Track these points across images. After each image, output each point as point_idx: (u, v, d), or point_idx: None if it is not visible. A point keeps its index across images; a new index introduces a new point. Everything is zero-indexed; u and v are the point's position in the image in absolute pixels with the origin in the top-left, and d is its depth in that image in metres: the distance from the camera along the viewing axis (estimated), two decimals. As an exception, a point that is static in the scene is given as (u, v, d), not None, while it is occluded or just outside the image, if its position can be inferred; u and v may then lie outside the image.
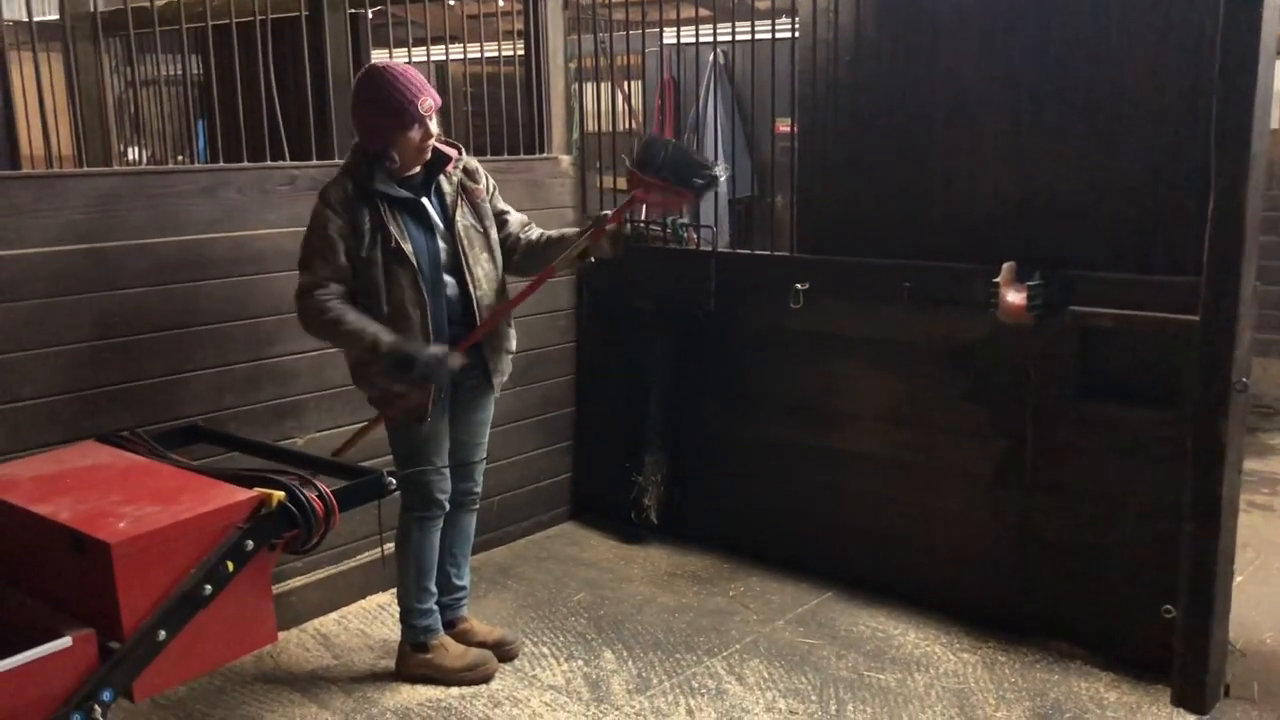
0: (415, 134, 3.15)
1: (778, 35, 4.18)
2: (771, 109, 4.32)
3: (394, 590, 3.67)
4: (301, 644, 3.79)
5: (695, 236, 4.63)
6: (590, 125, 5.15)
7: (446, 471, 3.43)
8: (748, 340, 4.29)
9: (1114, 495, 3.47)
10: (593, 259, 3.43)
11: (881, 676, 3.53)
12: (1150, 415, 3.36)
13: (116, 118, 6.21)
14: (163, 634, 2.37)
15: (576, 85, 4.87)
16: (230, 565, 2.45)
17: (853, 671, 3.56)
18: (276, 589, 3.55)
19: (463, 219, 3.33)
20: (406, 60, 4.24)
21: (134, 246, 3.37)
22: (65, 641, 2.27)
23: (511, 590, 4.21)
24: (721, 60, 6.50)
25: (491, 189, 3.47)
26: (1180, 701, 3.30)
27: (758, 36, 4.73)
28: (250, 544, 2.48)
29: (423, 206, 3.27)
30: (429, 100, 3.14)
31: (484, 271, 3.35)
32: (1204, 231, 3.09)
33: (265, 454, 3.15)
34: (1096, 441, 3.48)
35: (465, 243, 3.31)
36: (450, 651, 3.52)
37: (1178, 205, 3.29)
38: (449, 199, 3.32)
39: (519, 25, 4.81)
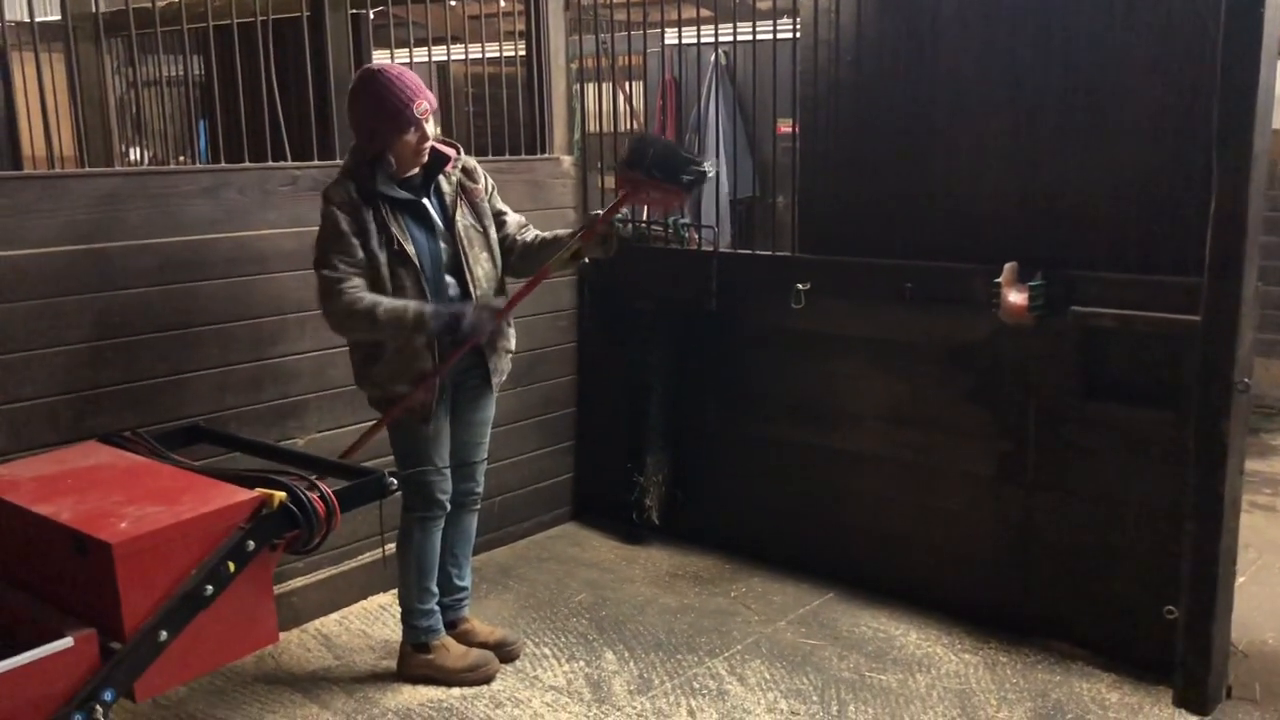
0: (412, 137, 3.15)
1: (779, 36, 4.18)
2: (773, 109, 4.32)
3: (395, 591, 3.67)
4: (303, 644, 3.79)
5: (697, 237, 4.63)
6: (592, 126, 5.16)
7: (448, 472, 3.43)
8: (749, 340, 4.29)
9: (1116, 496, 3.47)
10: (586, 260, 3.43)
11: (883, 677, 3.53)
12: (1152, 415, 3.36)
13: (118, 118, 6.21)
14: (164, 634, 2.36)
15: (578, 86, 4.87)
16: (232, 565, 2.45)
17: (854, 672, 3.56)
18: (278, 589, 3.55)
19: (463, 219, 3.33)
20: (408, 60, 4.24)
21: (136, 247, 3.37)
22: (67, 642, 2.27)
23: (513, 591, 4.21)
24: (723, 61, 6.50)
25: (490, 189, 3.47)
26: (1182, 703, 3.30)
27: (759, 37, 4.73)
28: (252, 544, 2.48)
29: (424, 207, 3.27)
30: (424, 103, 3.14)
31: (484, 271, 3.35)
32: (1205, 231, 3.09)
33: (267, 454, 3.15)
34: (1098, 442, 3.48)
35: (465, 243, 3.31)
36: (452, 652, 3.52)
37: (1179, 205, 3.28)
38: (448, 199, 3.33)
39: (520, 26, 4.81)
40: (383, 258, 3.16)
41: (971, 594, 3.84)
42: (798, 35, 4.10)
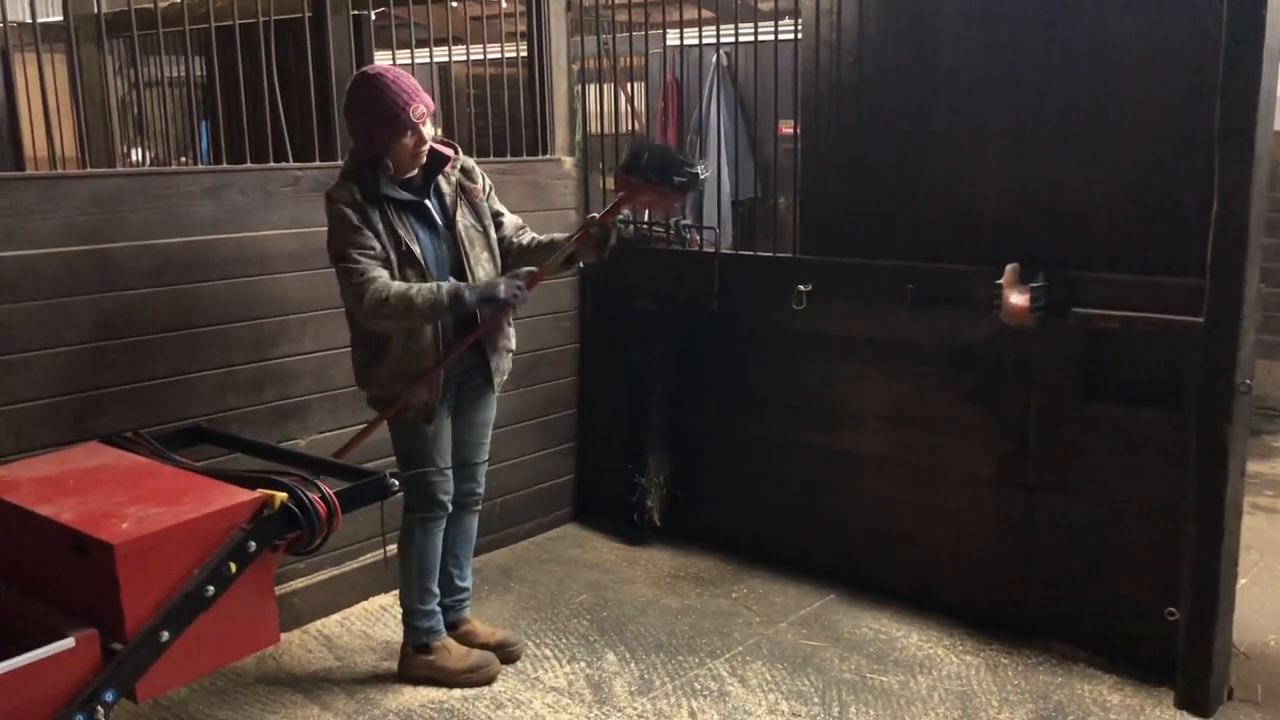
0: (409, 140, 3.15)
1: (780, 37, 4.17)
2: (774, 110, 4.32)
3: (396, 592, 3.67)
4: (304, 645, 3.79)
5: (698, 238, 4.63)
6: (593, 127, 5.16)
7: (449, 473, 3.43)
8: (750, 341, 4.29)
9: (1117, 497, 3.47)
10: (581, 264, 3.44)
11: (884, 679, 3.53)
12: (1153, 417, 3.36)
13: (120, 119, 6.21)
14: (165, 635, 2.36)
15: (579, 87, 4.87)
16: (233, 566, 2.45)
17: (856, 673, 3.56)
18: (279, 590, 3.55)
19: (463, 219, 3.33)
20: (409, 61, 4.24)
21: (137, 247, 3.37)
22: (68, 642, 2.27)
23: (514, 592, 4.21)
24: (724, 62, 6.50)
25: (488, 188, 3.47)
26: (1183, 704, 3.30)
27: (760, 38, 4.73)
28: (253, 545, 2.48)
29: (426, 208, 3.28)
30: (421, 107, 3.13)
31: (485, 271, 3.35)
32: (1207, 233, 3.09)
33: (268, 455, 3.15)
34: (1100, 443, 3.47)
35: (466, 243, 3.32)
36: (453, 653, 3.52)
37: (1181, 206, 3.28)
38: (448, 199, 3.33)
39: (522, 27, 4.81)
40: (392, 259, 3.16)
41: (973, 595, 3.84)
42: (799, 36, 4.10)
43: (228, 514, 2.48)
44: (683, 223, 4.56)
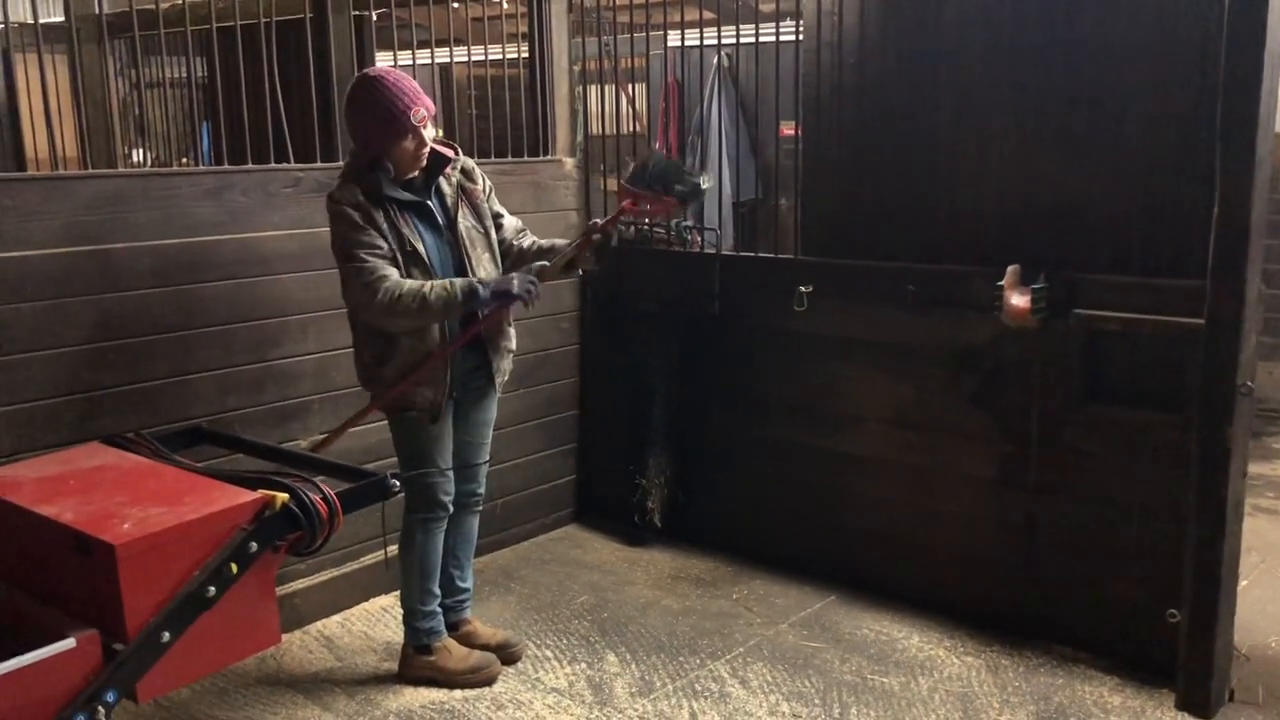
0: (410, 143, 3.15)
1: (781, 38, 4.18)
2: (775, 112, 4.32)
3: (397, 592, 3.67)
4: (304, 646, 3.79)
5: (699, 239, 4.63)
6: (594, 128, 5.16)
7: (450, 473, 3.43)
8: (752, 342, 4.29)
9: (1118, 498, 3.46)
10: (580, 271, 3.45)
11: (885, 680, 3.53)
12: (1155, 418, 3.36)
13: (121, 120, 6.22)
14: (166, 635, 2.36)
15: (581, 88, 4.87)
16: (234, 567, 2.45)
17: (856, 675, 3.56)
18: (280, 591, 3.56)
19: (464, 220, 3.34)
20: (411, 63, 4.24)
21: (138, 248, 3.37)
22: (69, 643, 2.27)
23: (515, 593, 4.21)
24: (725, 63, 6.50)
25: (488, 190, 3.47)
26: (1185, 706, 3.30)
27: (761, 39, 4.73)
28: (254, 546, 2.48)
29: (428, 208, 3.28)
30: (422, 109, 3.14)
31: (486, 272, 3.35)
32: (1209, 235, 3.09)
33: (269, 456, 3.15)
34: (1101, 445, 3.47)
35: (468, 243, 3.32)
36: (453, 654, 3.52)
37: (1182, 209, 3.28)
38: (449, 201, 3.33)
39: (523, 28, 4.81)
40: (398, 259, 3.17)
41: (974, 596, 3.84)
42: (800, 38, 4.10)
43: (229, 515, 2.48)
44: (684, 224, 4.57)
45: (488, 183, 3.48)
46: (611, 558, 4.54)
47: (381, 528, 3.29)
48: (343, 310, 3.34)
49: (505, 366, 3.50)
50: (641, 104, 6.14)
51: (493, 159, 4.40)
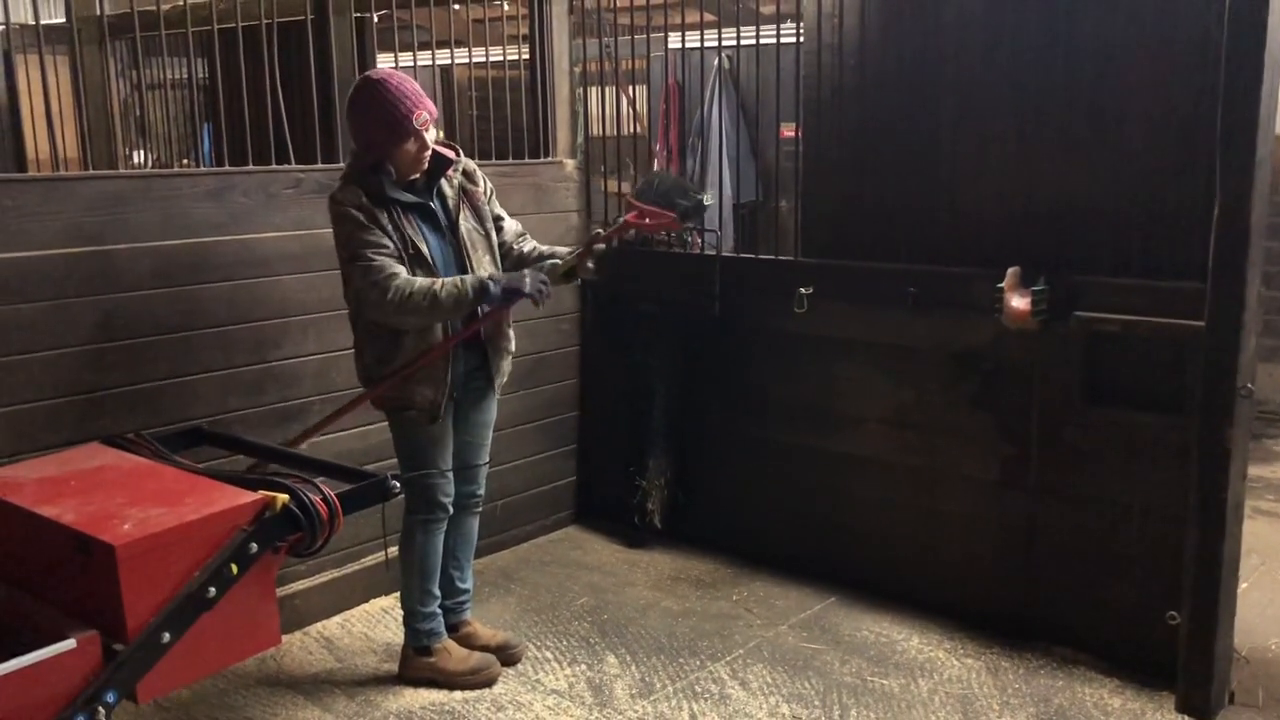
0: (412, 146, 3.15)
1: (782, 40, 4.18)
2: (776, 113, 4.32)
3: (397, 593, 3.67)
4: (305, 647, 3.79)
5: (699, 241, 4.64)
6: (595, 129, 5.16)
7: (450, 475, 3.43)
8: (752, 344, 4.29)
9: (1118, 500, 3.46)
10: (580, 280, 3.47)
11: (885, 682, 3.52)
12: (1155, 420, 3.36)
13: (122, 121, 6.22)
14: (167, 636, 2.36)
15: (581, 89, 4.88)
16: (234, 568, 2.45)
17: (856, 677, 3.56)
18: (280, 592, 3.56)
19: (465, 222, 3.34)
20: (411, 64, 4.24)
21: (139, 249, 3.37)
22: (69, 643, 2.27)
23: (515, 594, 4.21)
24: (726, 65, 6.51)
25: (489, 192, 3.48)
26: (1185, 708, 3.30)
27: (762, 41, 4.73)
28: (254, 547, 2.48)
29: (431, 210, 3.28)
30: (424, 113, 3.14)
31: (487, 274, 3.35)
32: (1209, 237, 3.09)
33: (270, 457, 3.15)
34: (1101, 446, 3.47)
35: (469, 246, 3.32)
36: (453, 655, 3.52)
37: (1182, 211, 3.28)
38: (451, 202, 3.34)
39: (524, 30, 4.81)
40: (403, 259, 3.17)
41: (974, 598, 3.84)
42: (800, 39, 4.10)
43: (229, 515, 2.48)
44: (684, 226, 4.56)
45: (489, 185, 3.49)
46: (611, 559, 4.54)
47: (382, 529, 3.29)
48: (343, 311, 3.34)
49: (505, 368, 3.50)
50: (642, 106, 6.15)
51: (493, 160, 4.40)
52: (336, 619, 3.98)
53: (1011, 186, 3.63)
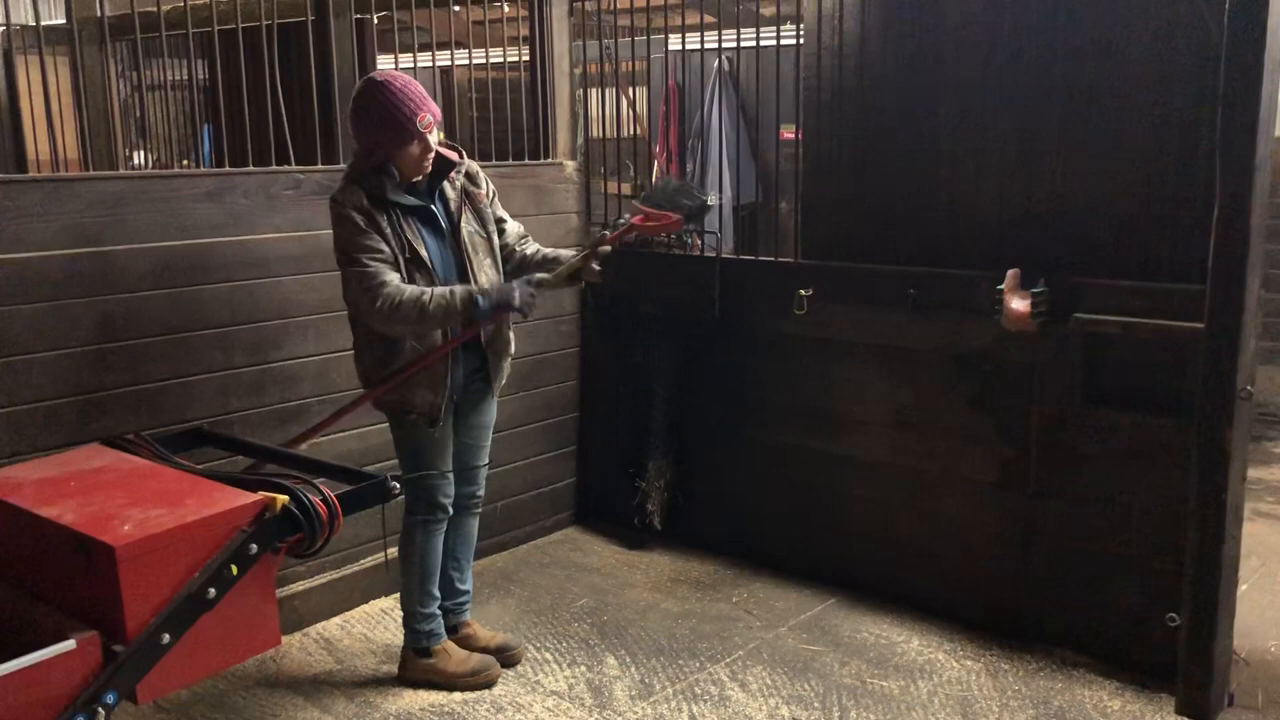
0: (415, 149, 3.15)
1: (782, 42, 4.18)
2: (776, 115, 4.32)
3: (397, 595, 3.67)
4: (304, 648, 3.79)
5: (699, 242, 4.64)
6: (595, 131, 5.17)
7: (450, 476, 3.43)
8: (751, 346, 4.29)
9: (1118, 502, 3.47)
10: (584, 282, 3.47)
11: (885, 684, 3.52)
12: (1154, 422, 3.36)
13: (122, 122, 6.22)
14: (166, 637, 2.36)
15: (581, 91, 4.88)
16: (234, 569, 2.45)
17: (856, 679, 3.56)
18: (280, 593, 3.56)
19: (467, 225, 3.34)
20: (412, 65, 4.25)
21: (139, 250, 3.37)
22: (69, 644, 2.27)
23: (514, 595, 4.21)
24: (726, 66, 6.51)
25: (491, 194, 3.48)
26: (1184, 710, 3.30)
27: (762, 43, 4.74)
28: (254, 547, 2.48)
29: (432, 213, 3.28)
30: (428, 115, 3.13)
31: (488, 277, 3.35)
32: (1209, 239, 3.09)
33: (270, 458, 3.15)
34: (1100, 448, 3.48)
35: (470, 248, 3.32)
36: (453, 656, 3.52)
37: (1182, 213, 3.29)
38: (453, 205, 3.33)
39: (524, 31, 4.82)
40: (400, 263, 3.17)
41: (974, 600, 3.84)
42: (800, 41, 4.11)
43: (229, 516, 2.48)
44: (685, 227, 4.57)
45: (491, 187, 3.49)
46: (611, 560, 4.54)
47: (381, 530, 3.29)
48: (343, 312, 3.34)
49: (504, 370, 3.50)
50: (642, 107, 6.15)
51: (493, 162, 4.40)
52: (336, 620, 3.98)
53: (1011, 188, 3.63)
